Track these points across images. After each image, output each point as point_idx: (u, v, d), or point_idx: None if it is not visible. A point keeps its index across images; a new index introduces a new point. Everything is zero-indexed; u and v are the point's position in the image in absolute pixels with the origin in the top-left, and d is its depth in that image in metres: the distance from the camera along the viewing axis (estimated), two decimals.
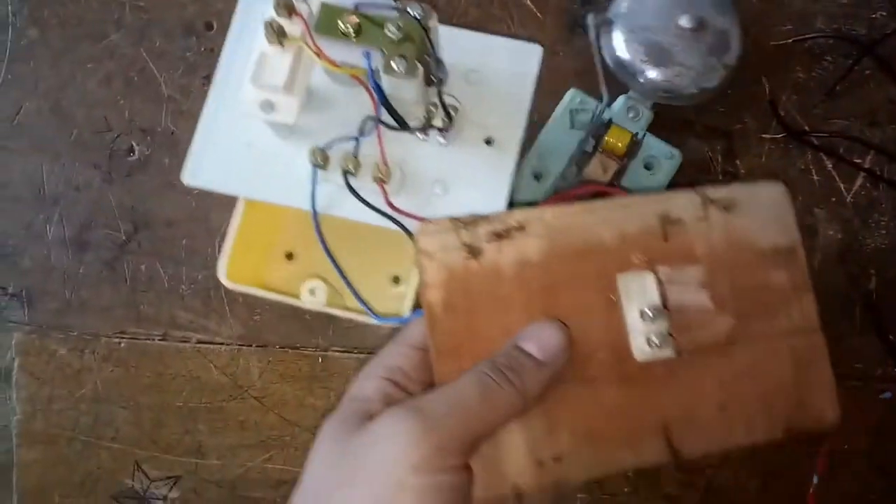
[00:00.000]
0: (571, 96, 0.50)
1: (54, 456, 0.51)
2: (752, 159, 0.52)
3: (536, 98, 0.42)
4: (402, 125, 0.38)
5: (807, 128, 0.53)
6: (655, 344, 0.36)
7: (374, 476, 0.27)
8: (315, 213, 0.39)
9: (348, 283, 0.43)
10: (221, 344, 0.52)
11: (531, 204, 0.41)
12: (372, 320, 0.44)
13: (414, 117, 0.38)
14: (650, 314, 0.36)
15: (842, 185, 0.52)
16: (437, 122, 0.38)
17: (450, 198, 0.40)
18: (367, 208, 0.39)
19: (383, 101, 0.36)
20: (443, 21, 0.55)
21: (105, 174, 0.53)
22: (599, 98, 0.47)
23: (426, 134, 0.40)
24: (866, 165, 0.52)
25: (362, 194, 0.39)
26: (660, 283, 0.37)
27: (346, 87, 0.40)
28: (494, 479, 0.32)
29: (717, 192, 0.38)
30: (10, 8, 0.56)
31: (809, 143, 0.52)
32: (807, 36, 0.54)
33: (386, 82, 0.35)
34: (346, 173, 0.39)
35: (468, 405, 0.29)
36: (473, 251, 0.36)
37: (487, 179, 0.40)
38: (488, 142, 0.41)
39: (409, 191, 0.40)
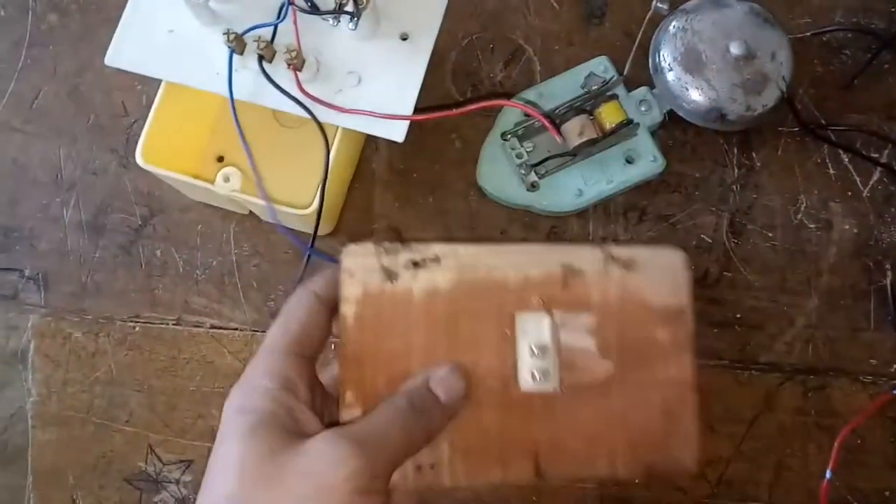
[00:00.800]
0: (598, 61, 0.51)
1: (68, 438, 0.51)
2: (769, 152, 0.52)
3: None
4: (314, 8, 0.40)
5: (823, 121, 0.52)
6: (538, 378, 0.39)
7: (316, 495, 0.30)
8: (231, 98, 0.41)
9: (255, 171, 0.43)
10: (235, 329, 0.52)
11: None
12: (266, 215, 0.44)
13: (326, 4, 0.41)
14: (538, 351, 0.40)
15: (858, 180, 0.52)
16: (349, 7, 0.40)
17: (362, 88, 0.42)
18: (282, 95, 0.41)
19: None
20: (463, 12, 0.55)
21: (122, 159, 0.54)
22: (620, 72, 0.48)
23: (338, 19, 0.42)
24: (883, 160, 0.52)
25: (279, 81, 0.41)
26: (553, 325, 0.40)
27: None
28: None
29: (620, 251, 0.42)
30: None
31: (826, 137, 0.52)
32: (825, 29, 0.54)
33: None
34: (261, 58, 0.41)
35: (395, 441, 0.33)
36: (390, 275, 0.40)
37: (400, 74, 0.42)
38: (404, 38, 0.43)
39: (323, 80, 0.42)
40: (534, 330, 0.41)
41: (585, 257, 0.42)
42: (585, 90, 0.50)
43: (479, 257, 0.42)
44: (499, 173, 0.50)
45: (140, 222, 0.53)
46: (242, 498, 0.31)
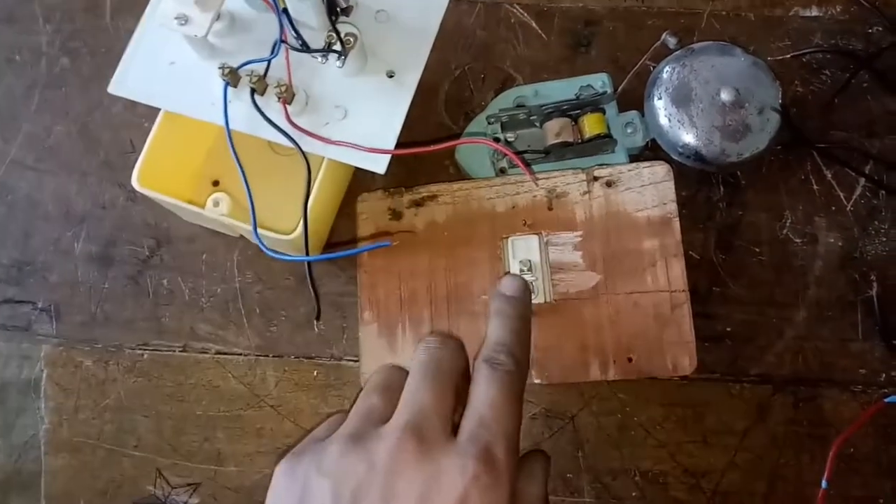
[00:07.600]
0: (599, 77, 0.52)
1: (79, 463, 0.53)
2: (753, 170, 0.54)
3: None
4: (305, 46, 0.43)
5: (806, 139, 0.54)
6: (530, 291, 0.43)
7: None
8: (228, 128, 0.43)
9: (250, 197, 0.44)
10: (239, 354, 0.53)
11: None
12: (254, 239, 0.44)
13: (316, 43, 0.43)
14: (526, 268, 0.45)
15: (841, 195, 0.53)
16: (337, 46, 0.43)
17: (348, 122, 0.44)
18: (270, 126, 0.43)
19: (289, 23, 0.41)
20: (456, 44, 0.58)
21: (129, 193, 0.56)
22: (615, 90, 0.51)
23: (326, 58, 0.44)
24: (865, 174, 0.53)
25: (270, 113, 0.43)
26: (540, 244, 0.46)
27: (262, 13, 0.45)
28: None
29: (603, 171, 0.47)
30: (44, 39, 0.59)
31: (809, 153, 0.54)
32: (805, 51, 0.56)
33: (291, 7, 0.41)
34: (252, 91, 0.43)
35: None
36: (396, 215, 0.48)
37: (384, 109, 0.44)
38: (390, 75, 0.45)
39: (311, 112, 0.44)
40: (523, 250, 0.46)
41: (569, 180, 0.47)
42: (577, 98, 0.51)
43: (471, 191, 0.47)
44: (475, 151, 0.51)
45: (147, 253, 0.55)
46: None
